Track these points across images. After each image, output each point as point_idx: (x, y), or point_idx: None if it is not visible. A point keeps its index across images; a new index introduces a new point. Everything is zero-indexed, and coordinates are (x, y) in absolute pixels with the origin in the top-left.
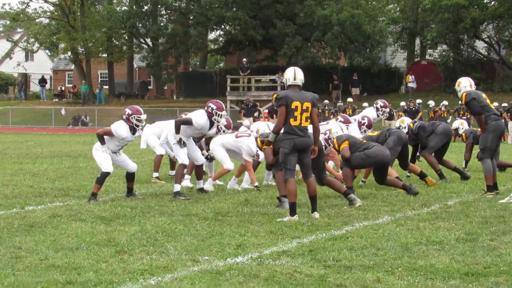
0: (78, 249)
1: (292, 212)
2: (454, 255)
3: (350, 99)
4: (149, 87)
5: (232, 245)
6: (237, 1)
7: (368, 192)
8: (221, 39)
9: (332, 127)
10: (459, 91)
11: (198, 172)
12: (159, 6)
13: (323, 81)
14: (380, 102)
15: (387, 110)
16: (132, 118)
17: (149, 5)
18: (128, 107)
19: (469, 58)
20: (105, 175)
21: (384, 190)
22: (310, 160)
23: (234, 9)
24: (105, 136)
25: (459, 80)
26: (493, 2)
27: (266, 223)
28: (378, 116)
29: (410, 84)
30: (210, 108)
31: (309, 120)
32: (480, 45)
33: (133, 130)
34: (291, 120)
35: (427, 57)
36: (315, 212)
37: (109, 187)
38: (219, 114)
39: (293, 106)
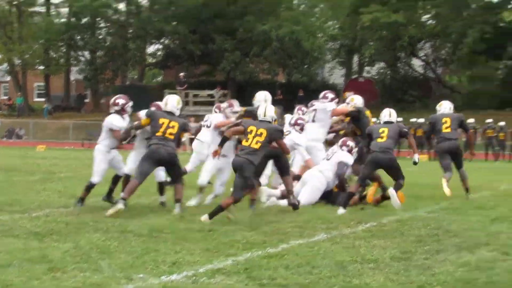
0: (10, 266)
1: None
2: (388, 274)
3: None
4: (86, 100)
5: (167, 262)
6: (177, 15)
7: (304, 208)
8: (159, 53)
9: None
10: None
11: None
12: (98, 19)
13: None
14: None
15: None
16: (127, 107)
17: (88, 18)
18: (117, 98)
19: (406, 76)
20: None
21: (321, 207)
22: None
23: (174, 23)
24: (104, 134)
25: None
26: (430, 21)
27: (201, 240)
28: None
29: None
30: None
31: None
32: (417, 63)
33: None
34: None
35: (364, 74)
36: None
37: (43, 202)
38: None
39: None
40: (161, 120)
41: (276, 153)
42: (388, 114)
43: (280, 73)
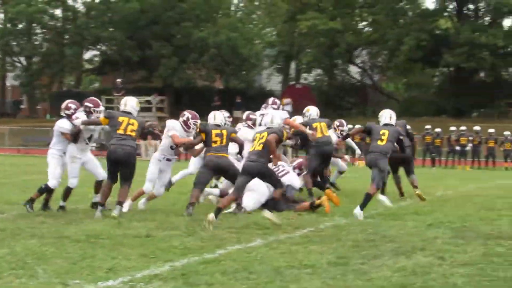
0: None
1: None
2: (325, 279)
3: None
4: (22, 106)
5: (103, 268)
6: (114, 21)
7: (241, 214)
8: (96, 59)
9: None
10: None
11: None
12: (34, 25)
13: (198, 102)
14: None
15: None
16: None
17: (23, 24)
18: (69, 103)
19: (343, 82)
20: (48, 188)
21: (258, 213)
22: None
23: (111, 29)
24: (56, 139)
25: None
26: (367, 28)
27: (138, 246)
28: None
29: (286, 108)
30: (87, 108)
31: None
32: (354, 70)
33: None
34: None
35: (302, 80)
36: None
37: None
38: (97, 111)
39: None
40: (120, 118)
41: (223, 166)
42: (389, 116)
43: (217, 79)
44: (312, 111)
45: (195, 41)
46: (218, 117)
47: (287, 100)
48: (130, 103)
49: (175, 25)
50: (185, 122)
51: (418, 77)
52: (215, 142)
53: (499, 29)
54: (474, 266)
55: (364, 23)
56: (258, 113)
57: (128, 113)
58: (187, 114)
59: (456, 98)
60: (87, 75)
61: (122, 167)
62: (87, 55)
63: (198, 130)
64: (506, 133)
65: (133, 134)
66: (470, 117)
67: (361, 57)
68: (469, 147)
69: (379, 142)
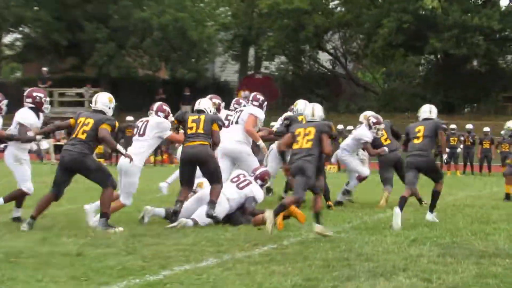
0: None
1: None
2: None
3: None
4: None
5: None
6: None
7: (191, 230)
8: (18, 43)
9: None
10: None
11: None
12: None
13: (140, 95)
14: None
15: None
16: (2, 105)
17: None
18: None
19: (311, 72)
20: None
21: (210, 227)
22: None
23: (35, 8)
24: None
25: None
26: (339, 8)
27: (68, 266)
28: None
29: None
30: (38, 98)
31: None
32: (324, 57)
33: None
34: None
35: (262, 70)
36: None
37: None
38: (47, 101)
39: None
40: (79, 120)
41: (200, 156)
42: (428, 110)
43: (162, 68)
44: (300, 105)
45: (135, 22)
46: (203, 102)
47: (245, 93)
48: (100, 99)
49: (112, 3)
50: (167, 117)
51: (400, 65)
52: (191, 128)
53: (495, 9)
54: None
55: (336, 2)
56: (231, 113)
57: (97, 112)
58: (167, 108)
59: (444, 91)
60: (7, 63)
61: (82, 174)
62: (7, 38)
63: (175, 122)
64: (504, 132)
65: (83, 136)
66: (462, 113)
67: (333, 42)
68: (460, 148)
69: (415, 141)
